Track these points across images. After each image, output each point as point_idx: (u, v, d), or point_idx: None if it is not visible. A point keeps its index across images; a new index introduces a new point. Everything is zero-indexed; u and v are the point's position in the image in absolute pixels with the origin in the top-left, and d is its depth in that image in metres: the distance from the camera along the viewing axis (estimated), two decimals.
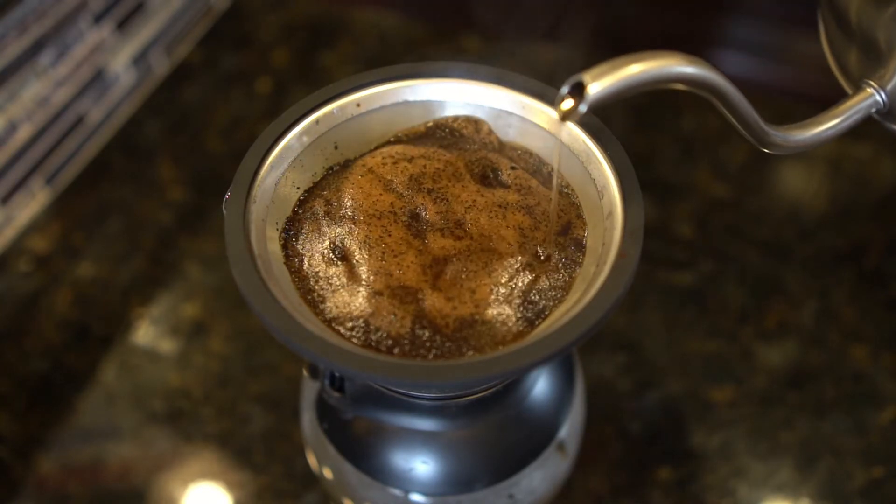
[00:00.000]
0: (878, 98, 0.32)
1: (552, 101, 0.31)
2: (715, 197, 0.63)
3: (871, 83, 0.32)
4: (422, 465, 0.34)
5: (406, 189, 0.29)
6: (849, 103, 0.32)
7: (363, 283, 0.27)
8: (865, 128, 0.33)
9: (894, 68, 0.32)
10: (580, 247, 0.28)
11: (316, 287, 0.27)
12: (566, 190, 0.30)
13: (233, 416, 0.50)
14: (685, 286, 0.57)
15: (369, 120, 0.32)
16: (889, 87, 0.32)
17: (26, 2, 0.56)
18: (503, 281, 0.27)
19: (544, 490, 0.37)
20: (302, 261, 0.28)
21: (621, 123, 0.68)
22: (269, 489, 0.48)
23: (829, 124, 0.32)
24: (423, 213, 0.29)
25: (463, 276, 0.27)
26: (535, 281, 0.27)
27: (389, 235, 0.28)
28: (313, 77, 0.73)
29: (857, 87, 0.33)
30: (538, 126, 0.31)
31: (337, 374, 0.32)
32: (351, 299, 0.26)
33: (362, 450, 0.35)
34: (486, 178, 0.30)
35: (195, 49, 0.75)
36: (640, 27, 0.83)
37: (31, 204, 0.61)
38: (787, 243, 0.60)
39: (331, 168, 0.31)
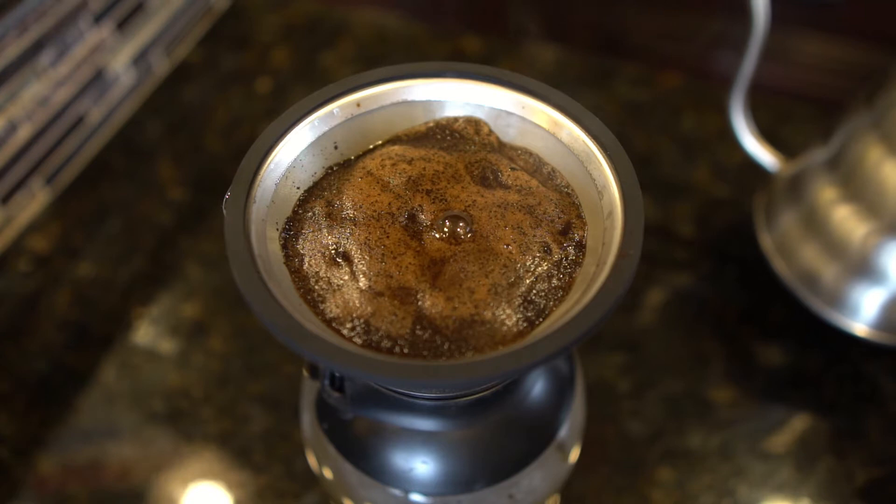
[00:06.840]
0: None
1: (552, 101, 0.31)
2: (715, 197, 0.63)
3: None
4: (422, 465, 0.34)
5: (404, 190, 0.29)
6: None
7: (363, 283, 0.27)
8: None
9: None
10: (580, 247, 0.28)
11: (316, 287, 0.27)
12: (566, 190, 0.30)
13: (233, 416, 0.50)
14: (685, 286, 0.57)
15: (369, 120, 0.32)
16: None
17: (26, 2, 0.56)
18: (503, 281, 0.27)
19: (544, 490, 0.37)
20: (302, 261, 0.28)
21: (621, 123, 0.68)
22: (269, 489, 0.48)
23: None
24: (420, 215, 0.29)
25: (462, 277, 0.27)
26: (535, 281, 0.27)
27: (388, 237, 0.28)
28: (313, 77, 0.73)
29: None
30: (538, 126, 0.31)
31: (337, 374, 0.32)
32: (351, 300, 0.26)
33: (362, 450, 0.35)
34: (486, 178, 0.30)
35: (195, 49, 0.75)
36: (638, 27, 0.83)
37: (31, 204, 0.61)
38: None
39: (331, 168, 0.31)
